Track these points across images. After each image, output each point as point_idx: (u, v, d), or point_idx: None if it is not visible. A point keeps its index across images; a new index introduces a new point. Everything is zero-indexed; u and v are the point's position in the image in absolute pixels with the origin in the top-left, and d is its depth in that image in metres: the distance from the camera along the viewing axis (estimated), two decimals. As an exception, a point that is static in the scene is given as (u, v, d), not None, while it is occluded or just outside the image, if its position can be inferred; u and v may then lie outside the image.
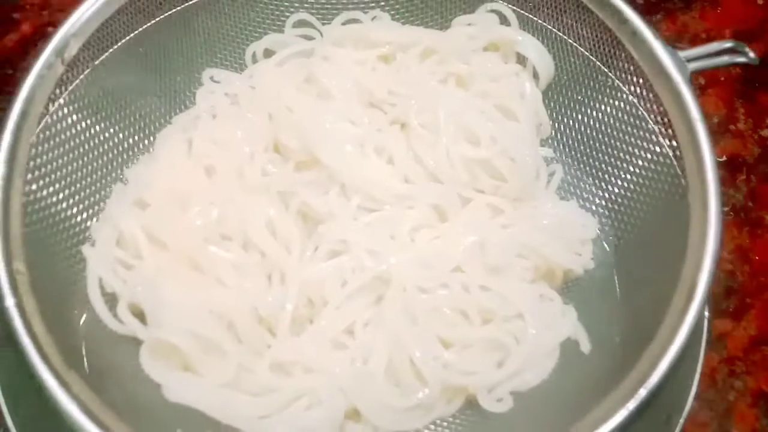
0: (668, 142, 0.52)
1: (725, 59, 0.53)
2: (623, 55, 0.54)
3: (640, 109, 0.54)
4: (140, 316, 0.51)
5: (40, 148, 0.52)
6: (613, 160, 0.58)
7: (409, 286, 0.51)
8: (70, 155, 0.55)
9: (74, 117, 0.56)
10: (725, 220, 0.59)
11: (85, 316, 0.51)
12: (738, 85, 0.67)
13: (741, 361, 0.56)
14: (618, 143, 0.57)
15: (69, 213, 0.54)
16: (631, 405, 0.41)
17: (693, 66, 0.52)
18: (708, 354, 0.51)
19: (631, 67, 0.54)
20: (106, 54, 0.57)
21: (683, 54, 0.52)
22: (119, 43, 0.57)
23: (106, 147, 0.58)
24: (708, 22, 0.71)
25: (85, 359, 0.49)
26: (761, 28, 0.70)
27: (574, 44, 0.58)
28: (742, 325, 0.57)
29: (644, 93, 0.54)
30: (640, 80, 0.54)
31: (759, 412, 0.55)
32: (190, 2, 0.60)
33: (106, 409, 0.42)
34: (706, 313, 0.50)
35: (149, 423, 0.46)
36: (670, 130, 0.51)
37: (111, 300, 0.52)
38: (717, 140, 0.64)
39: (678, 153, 0.50)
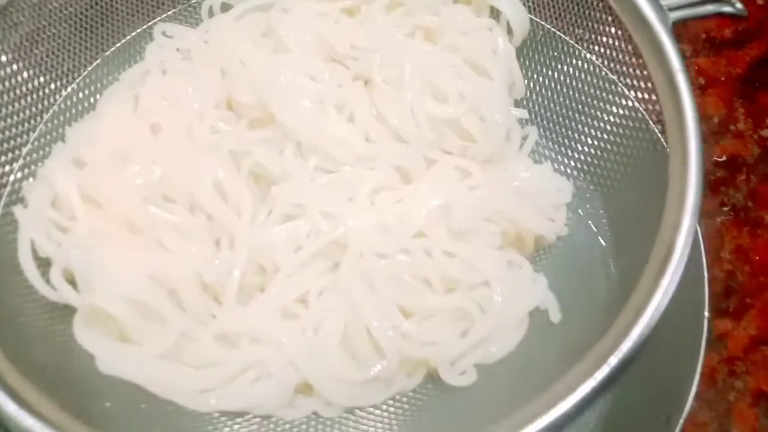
0: (647, 97, 0.48)
1: (710, 8, 0.49)
2: (600, 4, 0.51)
3: (620, 62, 0.51)
4: (76, 282, 0.48)
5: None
6: (590, 120, 0.54)
7: (367, 252, 0.47)
8: (4, 110, 0.51)
9: (9, 69, 0.52)
10: (725, 220, 0.59)
11: (15, 281, 0.47)
12: (738, 85, 0.65)
13: (741, 361, 0.55)
14: (596, 101, 0.54)
15: (2, 171, 0.50)
16: (600, 375, 0.37)
17: (675, 15, 0.49)
18: (708, 354, 0.49)
19: (609, 17, 0.50)
20: (45, 2, 0.53)
21: (665, 2, 0.48)
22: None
23: (47, 103, 0.54)
24: (707, 22, 0.69)
25: (11, 326, 0.45)
26: (761, 28, 0.68)
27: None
28: (742, 325, 0.56)
29: (622, 45, 0.50)
30: (619, 31, 0.50)
31: (759, 412, 0.54)
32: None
33: (23, 379, 0.38)
34: (706, 313, 0.48)
35: (77, 396, 0.42)
36: (648, 84, 0.47)
37: (44, 265, 0.48)
38: (717, 140, 0.63)
39: (658, 108, 0.47)
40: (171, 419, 0.45)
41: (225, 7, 0.59)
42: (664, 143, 0.46)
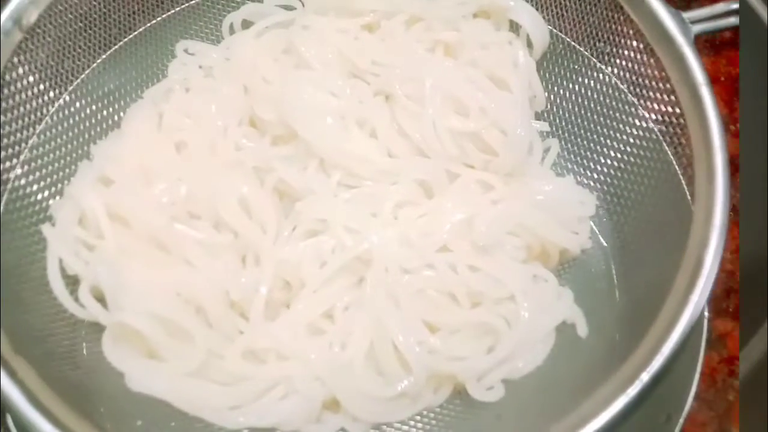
0: (670, 110, 0.48)
1: (732, 21, 0.49)
2: (621, 17, 0.51)
3: (641, 76, 0.51)
4: (104, 299, 0.48)
5: (-4, 119, 0.48)
6: (612, 132, 0.54)
7: (392, 267, 0.48)
8: (32, 129, 0.52)
9: (36, 88, 0.52)
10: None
11: (44, 299, 0.48)
12: (738, 84, 0.64)
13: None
14: (618, 114, 0.54)
15: (29, 190, 0.51)
16: (632, 391, 0.37)
17: (697, 28, 0.49)
18: (708, 354, 0.50)
19: (631, 31, 0.50)
20: (71, 22, 0.53)
21: (687, 15, 0.48)
22: (84, 11, 0.54)
23: (72, 121, 0.55)
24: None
25: (42, 345, 0.45)
26: (760, 28, 0.67)
27: (570, 8, 0.54)
28: (742, 325, 0.55)
29: (645, 58, 0.50)
30: (641, 44, 0.50)
31: (759, 411, 0.53)
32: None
33: (56, 397, 0.39)
34: (706, 313, 0.48)
35: (108, 414, 0.42)
36: (672, 97, 0.47)
37: (72, 282, 0.49)
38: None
39: (682, 121, 0.47)
40: (200, 436, 0.45)
41: (246, 24, 0.60)
42: (687, 158, 0.46)
